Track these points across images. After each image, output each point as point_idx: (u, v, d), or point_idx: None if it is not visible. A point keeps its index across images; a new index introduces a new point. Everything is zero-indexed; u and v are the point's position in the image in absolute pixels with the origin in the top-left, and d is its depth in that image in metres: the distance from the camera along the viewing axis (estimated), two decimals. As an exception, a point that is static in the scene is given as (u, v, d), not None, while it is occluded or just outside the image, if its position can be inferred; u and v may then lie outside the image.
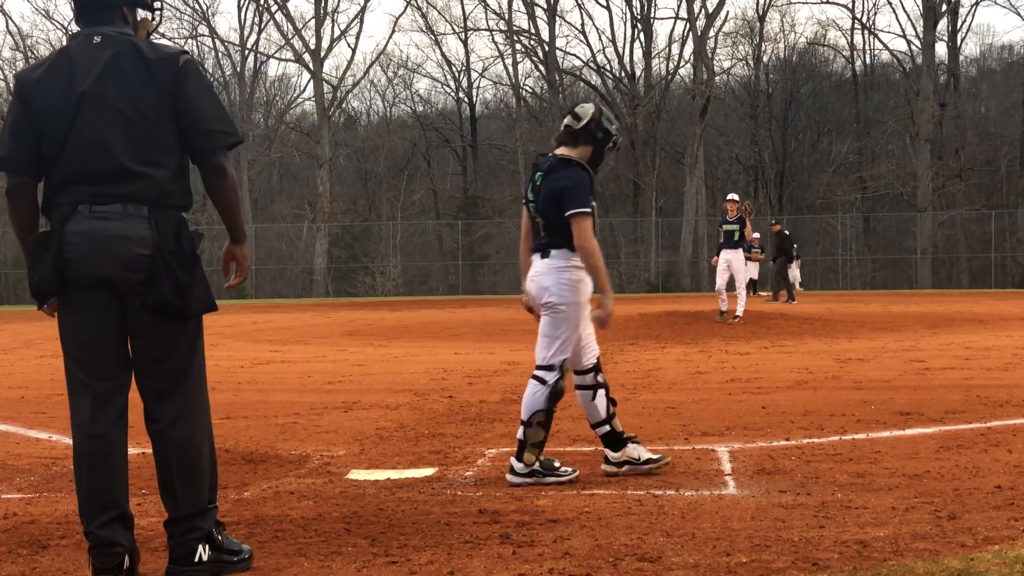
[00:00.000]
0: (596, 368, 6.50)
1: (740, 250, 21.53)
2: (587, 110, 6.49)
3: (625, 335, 18.39)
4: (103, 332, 4.32)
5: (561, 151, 6.47)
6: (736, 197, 22.46)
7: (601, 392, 6.48)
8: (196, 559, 4.38)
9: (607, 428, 6.47)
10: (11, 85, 4.86)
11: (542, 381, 6.31)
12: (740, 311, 20.90)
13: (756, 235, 39.92)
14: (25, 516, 5.55)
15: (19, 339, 20.31)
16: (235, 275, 4.59)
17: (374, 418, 8.96)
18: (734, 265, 21.31)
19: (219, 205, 4.46)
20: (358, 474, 6.58)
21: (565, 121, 6.53)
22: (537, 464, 6.25)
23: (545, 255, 6.36)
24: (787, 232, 35.30)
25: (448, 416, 8.99)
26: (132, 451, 6.43)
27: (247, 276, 4.64)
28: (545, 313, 6.37)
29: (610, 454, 6.44)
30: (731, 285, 21.40)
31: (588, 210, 6.22)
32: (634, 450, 6.44)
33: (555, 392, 6.32)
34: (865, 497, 5.64)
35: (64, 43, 4.50)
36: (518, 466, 6.22)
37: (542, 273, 6.36)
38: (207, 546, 4.41)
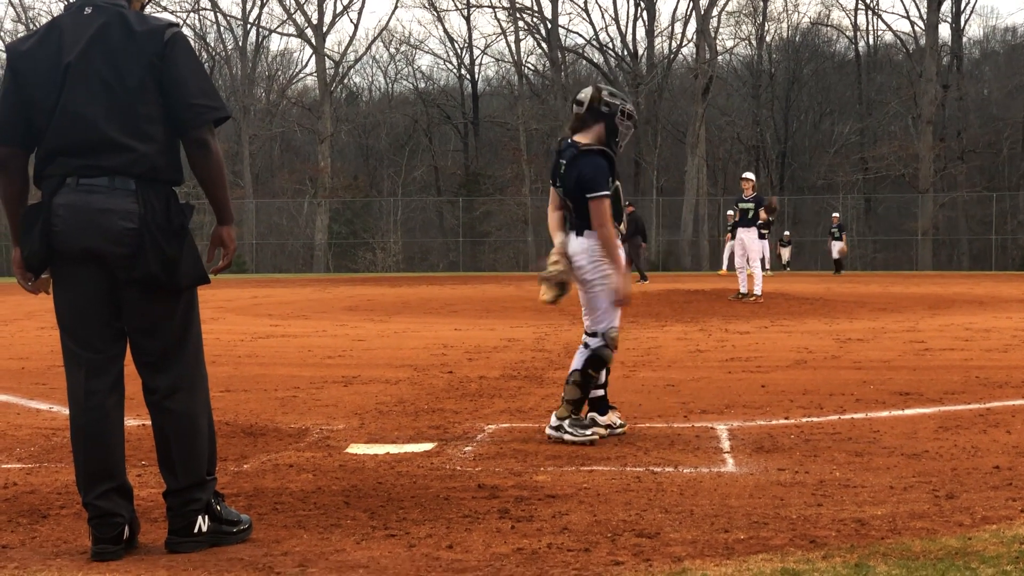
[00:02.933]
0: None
1: (754, 229, 21.31)
2: (586, 93, 6.90)
3: (625, 313, 18.31)
4: (94, 304, 4.32)
5: (578, 138, 6.87)
6: (752, 176, 22.15)
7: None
8: (195, 530, 4.39)
9: (602, 392, 7.00)
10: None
11: (584, 345, 6.90)
12: (758, 290, 20.84)
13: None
14: (25, 486, 5.56)
15: (20, 310, 20.31)
16: (221, 259, 4.52)
17: (374, 393, 8.97)
18: (748, 244, 21.10)
19: (203, 182, 4.37)
20: (357, 448, 6.59)
21: (573, 109, 6.96)
22: (567, 421, 6.72)
23: (580, 234, 6.83)
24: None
25: (448, 391, 9.00)
26: (132, 423, 6.45)
27: (233, 260, 4.57)
28: (583, 288, 6.89)
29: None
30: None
31: (605, 193, 6.69)
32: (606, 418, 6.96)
33: (592, 357, 6.84)
34: (863, 476, 5.65)
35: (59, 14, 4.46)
36: (551, 419, 6.79)
37: (578, 252, 6.83)
38: (206, 517, 4.42)
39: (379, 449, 6.54)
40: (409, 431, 7.15)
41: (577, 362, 6.84)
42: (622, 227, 7.04)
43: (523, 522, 4.76)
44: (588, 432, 6.69)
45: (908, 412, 7.71)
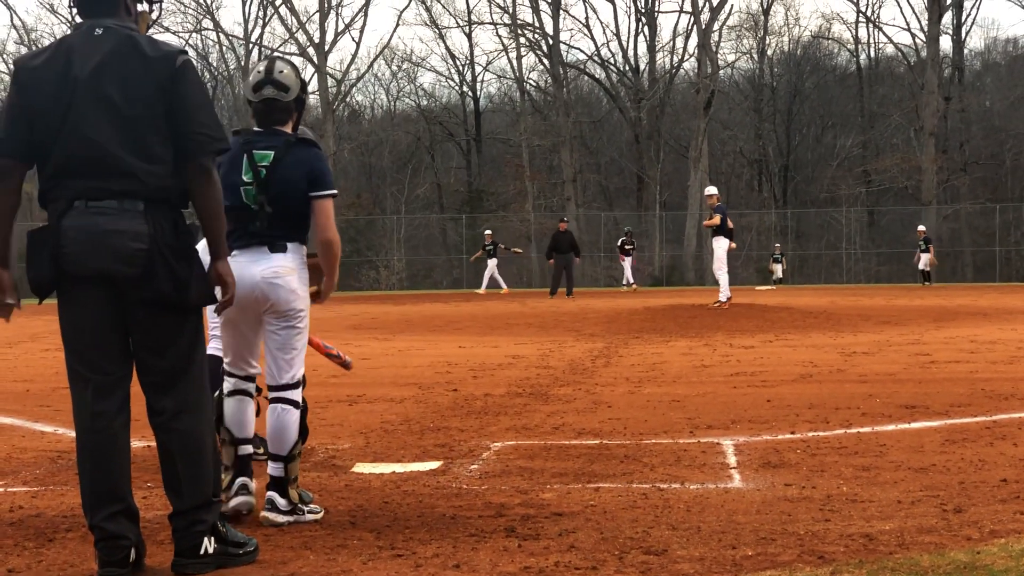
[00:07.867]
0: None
1: (720, 237, 23.51)
2: (291, 76, 5.45)
3: (629, 328, 18.38)
4: (102, 326, 4.32)
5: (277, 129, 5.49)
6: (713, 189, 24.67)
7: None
8: (202, 551, 4.38)
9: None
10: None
11: (295, 404, 5.37)
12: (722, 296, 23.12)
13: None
14: (31, 509, 5.55)
15: (24, 332, 20.30)
16: (222, 296, 4.47)
17: (379, 411, 8.96)
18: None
19: (202, 211, 4.37)
20: (363, 467, 6.58)
21: (268, 94, 5.39)
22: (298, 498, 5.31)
23: (278, 249, 5.33)
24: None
25: (453, 409, 8.99)
26: (137, 444, 6.44)
27: (233, 298, 4.56)
28: (283, 323, 5.34)
29: (280, 500, 5.23)
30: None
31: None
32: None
33: (303, 415, 5.60)
34: (871, 490, 5.64)
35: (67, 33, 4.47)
36: (282, 503, 5.20)
37: (282, 274, 5.32)
38: (212, 538, 4.41)
39: (385, 468, 6.54)
40: (415, 449, 7.14)
41: (290, 432, 5.32)
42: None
43: (530, 540, 4.75)
44: (318, 508, 5.36)
45: (914, 425, 7.70)
